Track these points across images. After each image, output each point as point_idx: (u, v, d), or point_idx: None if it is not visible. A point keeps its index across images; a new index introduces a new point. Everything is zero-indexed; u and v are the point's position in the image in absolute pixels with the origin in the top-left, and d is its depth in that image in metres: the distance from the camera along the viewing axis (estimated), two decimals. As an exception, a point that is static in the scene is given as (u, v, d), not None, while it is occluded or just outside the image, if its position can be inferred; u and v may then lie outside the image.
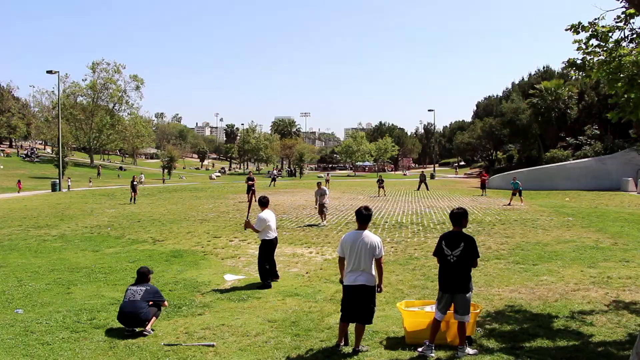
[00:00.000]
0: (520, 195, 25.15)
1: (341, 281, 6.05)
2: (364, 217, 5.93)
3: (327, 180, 44.32)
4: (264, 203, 9.36)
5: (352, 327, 5.99)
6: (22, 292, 8.82)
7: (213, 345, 6.07)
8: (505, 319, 7.02)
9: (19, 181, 39.64)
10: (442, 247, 5.81)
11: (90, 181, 44.49)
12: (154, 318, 6.71)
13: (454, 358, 5.63)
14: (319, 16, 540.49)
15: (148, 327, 6.53)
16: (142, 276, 6.99)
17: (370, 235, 5.85)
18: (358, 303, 5.79)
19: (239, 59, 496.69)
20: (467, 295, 5.76)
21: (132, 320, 6.51)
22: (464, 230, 5.92)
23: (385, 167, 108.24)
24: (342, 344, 5.96)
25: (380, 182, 32.92)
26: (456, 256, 5.70)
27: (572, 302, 7.88)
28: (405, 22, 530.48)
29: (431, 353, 5.64)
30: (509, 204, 24.32)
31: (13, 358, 5.73)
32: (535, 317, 7.09)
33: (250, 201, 12.28)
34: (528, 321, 6.91)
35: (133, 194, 27.03)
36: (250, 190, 24.26)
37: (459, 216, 5.85)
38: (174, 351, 5.92)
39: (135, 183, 27.33)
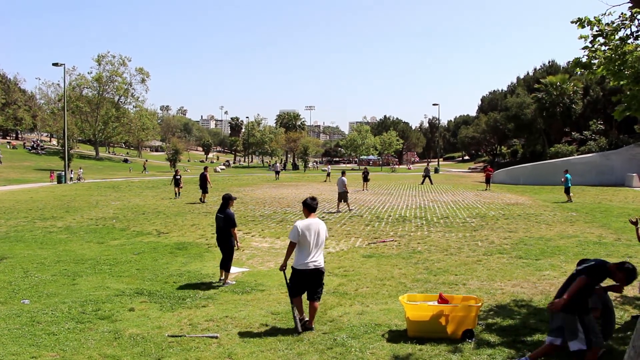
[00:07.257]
0: (568, 192, 22.40)
1: (282, 267, 6.67)
2: (311, 207, 6.67)
3: (328, 174, 44.59)
4: None
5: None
6: (29, 283, 8.93)
7: (217, 337, 6.15)
8: (507, 313, 7.06)
9: (52, 172, 41.67)
10: None
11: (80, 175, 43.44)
12: (225, 272, 8.91)
13: (455, 352, 5.63)
14: (325, 10, 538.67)
15: (228, 280, 8.87)
16: (225, 201, 8.96)
17: (321, 221, 6.72)
18: (313, 284, 6.44)
19: (244, 52, 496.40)
20: None
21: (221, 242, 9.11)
22: None
23: (390, 161, 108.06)
24: (306, 319, 6.53)
25: (366, 174, 33.29)
26: None
27: (574, 297, 7.89)
28: (411, 15, 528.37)
29: None
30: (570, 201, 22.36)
31: (20, 347, 5.82)
32: (537, 312, 7.11)
33: None
34: (530, 315, 6.94)
35: (176, 188, 25.91)
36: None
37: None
38: (178, 342, 6.00)
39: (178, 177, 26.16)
